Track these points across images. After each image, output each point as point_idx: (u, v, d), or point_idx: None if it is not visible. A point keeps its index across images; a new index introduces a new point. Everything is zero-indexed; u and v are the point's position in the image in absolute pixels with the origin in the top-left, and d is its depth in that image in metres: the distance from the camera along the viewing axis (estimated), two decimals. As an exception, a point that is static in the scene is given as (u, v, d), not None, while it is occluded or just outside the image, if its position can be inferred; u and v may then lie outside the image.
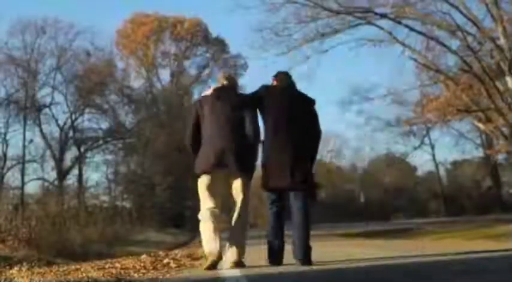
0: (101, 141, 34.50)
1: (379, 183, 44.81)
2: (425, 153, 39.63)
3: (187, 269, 4.94)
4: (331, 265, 4.45)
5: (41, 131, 31.99)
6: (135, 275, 4.50)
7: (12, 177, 29.59)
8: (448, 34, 16.74)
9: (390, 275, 3.74)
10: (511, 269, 3.88)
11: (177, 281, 4.15)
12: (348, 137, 55.82)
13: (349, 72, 48.45)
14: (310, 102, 4.80)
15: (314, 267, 4.29)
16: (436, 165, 40.82)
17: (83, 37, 33.00)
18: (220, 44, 39.79)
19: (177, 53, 39.25)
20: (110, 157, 34.80)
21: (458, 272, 3.71)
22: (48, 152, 32.18)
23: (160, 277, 4.29)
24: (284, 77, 4.89)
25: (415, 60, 17.82)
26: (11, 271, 4.94)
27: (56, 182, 31.26)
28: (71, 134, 33.35)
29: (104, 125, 34.37)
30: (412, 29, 16.86)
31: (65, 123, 32.97)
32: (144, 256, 6.51)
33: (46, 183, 31.61)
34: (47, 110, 32.56)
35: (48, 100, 32.51)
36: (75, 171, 33.13)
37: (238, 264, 4.42)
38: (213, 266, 4.31)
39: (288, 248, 4.54)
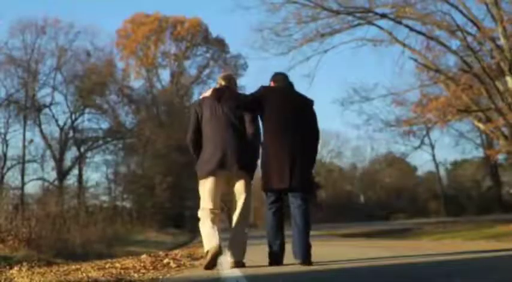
0: (101, 142, 34.50)
1: (379, 183, 44.79)
2: (425, 153, 39.67)
3: (187, 269, 4.94)
4: (331, 265, 4.46)
5: (41, 131, 32.03)
6: (135, 275, 4.50)
7: (12, 177, 29.57)
8: (448, 34, 16.75)
9: (390, 275, 3.74)
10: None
11: (177, 281, 4.15)
12: (348, 137, 55.63)
13: (349, 72, 48.44)
14: (309, 103, 4.80)
15: (314, 267, 4.29)
16: (436, 165, 40.86)
17: (83, 37, 33.07)
18: (220, 44, 39.81)
19: (177, 53, 39.28)
20: (110, 157, 34.88)
21: (459, 272, 3.71)
22: (48, 152, 32.23)
23: (160, 277, 4.29)
24: (282, 78, 4.88)
25: (415, 60, 17.84)
26: (11, 271, 4.94)
27: (56, 182, 31.26)
28: (71, 134, 33.35)
29: (104, 125, 34.44)
30: (412, 29, 16.88)
31: (65, 123, 33.02)
32: (144, 256, 6.51)
33: (46, 183, 31.66)
34: (47, 110, 32.61)
35: (48, 100, 32.57)
36: (75, 171, 33.18)
37: (238, 264, 4.42)
38: (214, 259, 4.31)
39: (288, 248, 4.55)
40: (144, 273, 4.61)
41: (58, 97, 33.33)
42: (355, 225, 25.60)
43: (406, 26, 16.78)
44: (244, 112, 4.55)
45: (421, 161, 64.72)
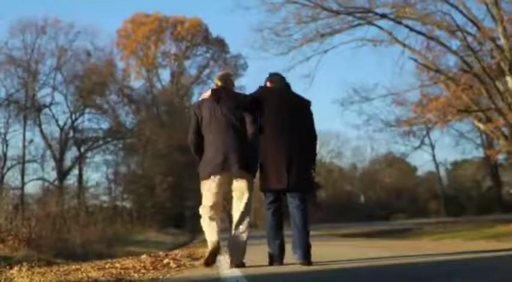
0: (101, 142, 34.50)
1: (379, 183, 44.78)
2: (426, 153, 39.67)
3: (187, 269, 4.94)
4: (331, 265, 4.46)
5: (41, 131, 32.04)
6: (135, 275, 4.50)
7: (12, 177, 29.60)
8: (448, 34, 16.76)
9: (390, 275, 3.74)
10: None
11: (177, 281, 4.15)
12: (348, 137, 55.63)
13: (349, 73, 48.43)
14: (306, 103, 4.79)
15: (314, 267, 4.29)
16: (436, 166, 40.84)
17: (83, 37, 33.09)
18: (220, 44, 39.82)
19: (177, 53, 39.29)
20: (110, 157, 34.90)
21: (459, 272, 3.71)
22: (48, 152, 32.24)
23: (161, 277, 4.29)
24: (278, 79, 4.87)
25: (415, 60, 17.84)
26: (11, 271, 4.94)
27: (56, 182, 31.27)
28: (71, 134, 33.36)
29: (104, 125, 34.46)
30: (412, 29, 16.89)
31: (65, 123, 33.03)
32: (144, 256, 6.50)
33: (46, 183, 31.68)
34: (47, 110, 32.63)
35: (48, 100, 32.58)
36: (75, 171, 33.20)
37: (238, 264, 4.43)
38: (212, 255, 4.33)
39: (288, 248, 4.55)
40: (144, 274, 4.61)
41: (58, 97, 33.41)
42: (355, 225, 25.58)
43: (406, 26, 16.79)
44: (244, 113, 4.55)
45: (421, 161, 64.81)
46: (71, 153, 33.42)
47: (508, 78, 15.81)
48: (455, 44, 17.57)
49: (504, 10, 15.88)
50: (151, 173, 31.73)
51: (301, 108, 4.73)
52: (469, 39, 16.34)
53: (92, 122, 33.99)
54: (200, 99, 4.77)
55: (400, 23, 16.77)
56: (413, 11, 16.54)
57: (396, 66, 24.40)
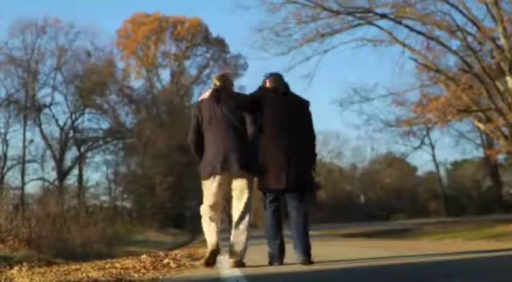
0: (101, 142, 34.50)
1: (379, 183, 44.78)
2: (426, 153, 39.67)
3: (187, 269, 4.94)
4: (331, 265, 4.46)
5: (41, 131, 32.03)
6: (135, 275, 4.50)
7: (12, 177, 29.61)
8: (448, 34, 16.76)
9: (390, 275, 3.74)
10: None
11: (177, 281, 4.15)
12: (348, 137, 55.67)
13: (349, 73, 48.45)
14: (305, 104, 4.79)
15: (314, 267, 4.29)
16: (436, 166, 40.84)
17: (83, 37, 33.06)
18: (220, 44, 39.82)
19: (177, 53, 39.28)
20: (110, 157, 34.89)
21: (459, 272, 3.71)
22: (48, 152, 32.24)
23: (161, 277, 4.29)
24: (277, 79, 4.86)
25: (415, 60, 17.84)
26: (11, 271, 4.94)
27: (56, 182, 31.27)
28: (71, 134, 33.36)
29: (104, 125, 34.45)
30: (412, 29, 16.89)
31: (65, 123, 33.03)
32: (144, 256, 6.50)
33: (46, 183, 31.68)
34: (47, 110, 32.62)
35: (48, 100, 32.57)
36: (75, 171, 33.19)
37: (238, 264, 4.43)
38: (212, 256, 4.34)
39: (288, 248, 4.55)
40: (144, 273, 4.61)
41: (58, 97, 33.39)
42: (355, 225, 25.58)
43: (406, 26, 16.80)
44: (244, 113, 4.55)
45: (421, 161, 64.94)
46: (71, 153, 33.48)
47: (508, 78, 15.81)
48: (455, 44, 17.60)
49: (504, 10, 15.90)
50: (151, 173, 31.73)
51: (300, 109, 4.73)
52: (469, 39, 16.35)
53: (92, 122, 34.05)
54: (200, 99, 4.77)
55: (400, 23, 16.78)
56: (413, 11, 16.54)
57: (396, 66, 24.46)
